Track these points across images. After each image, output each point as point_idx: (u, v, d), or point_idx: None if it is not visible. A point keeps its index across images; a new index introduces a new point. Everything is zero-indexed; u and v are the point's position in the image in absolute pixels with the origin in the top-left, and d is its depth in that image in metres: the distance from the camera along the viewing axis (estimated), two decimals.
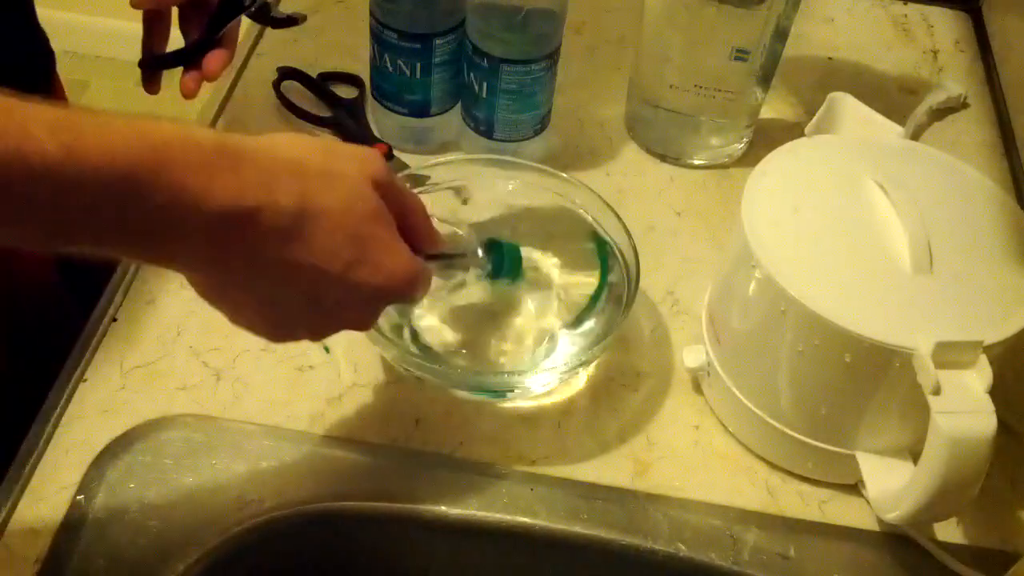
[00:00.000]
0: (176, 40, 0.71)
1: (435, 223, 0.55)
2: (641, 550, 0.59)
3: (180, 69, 0.71)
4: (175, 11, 0.70)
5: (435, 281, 0.56)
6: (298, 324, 0.50)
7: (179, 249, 0.43)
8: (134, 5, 0.67)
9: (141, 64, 0.70)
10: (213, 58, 0.70)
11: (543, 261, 0.71)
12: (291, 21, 0.74)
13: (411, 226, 0.51)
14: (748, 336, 0.61)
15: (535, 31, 0.72)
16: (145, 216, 0.40)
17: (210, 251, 0.43)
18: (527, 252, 0.70)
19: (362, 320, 0.52)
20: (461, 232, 0.64)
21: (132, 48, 0.66)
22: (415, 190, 0.70)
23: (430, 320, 0.66)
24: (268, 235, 0.44)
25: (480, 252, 0.64)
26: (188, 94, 0.70)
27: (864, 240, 0.58)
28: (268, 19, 0.73)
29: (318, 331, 0.51)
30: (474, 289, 0.67)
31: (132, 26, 0.69)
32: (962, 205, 0.61)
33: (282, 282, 0.46)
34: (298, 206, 0.44)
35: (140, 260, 0.45)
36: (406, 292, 0.50)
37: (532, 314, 0.69)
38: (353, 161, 0.48)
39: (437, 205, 0.71)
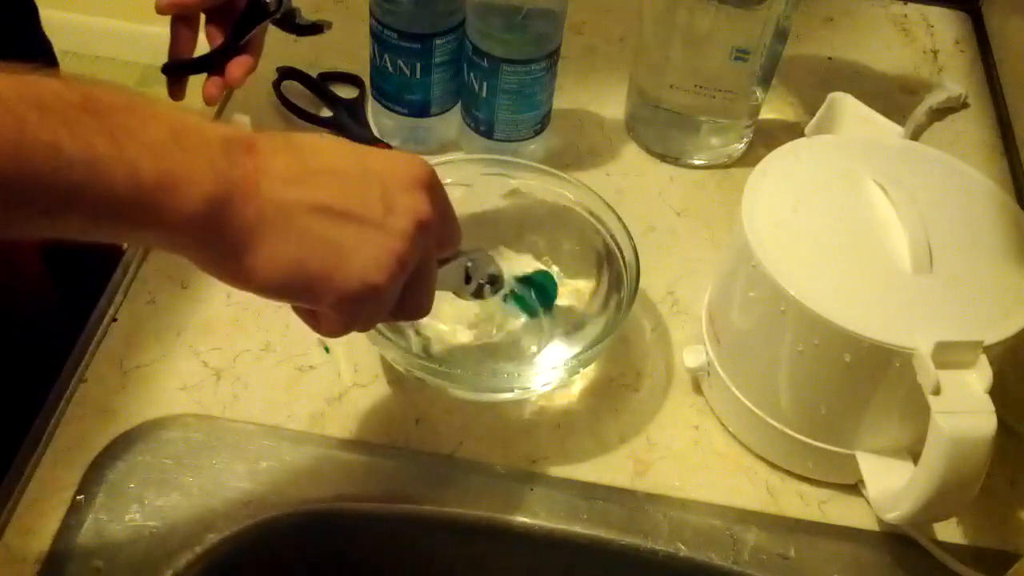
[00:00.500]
0: (202, 45, 0.71)
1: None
2: (641, 550, 0.59)
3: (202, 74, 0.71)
4: (203, 16, 0.70)
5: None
6: (368, 224, 0.44)
7: (203, 171, 0.40)
8: (160, 11, 0.67)
9: (165, 70, 0.70)
10: (236, 64, 0.70)
11: (543, 261, 0.71)
12: (316, 29, 0.73)
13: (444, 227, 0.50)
14: (748, 336, 0.61)
15: (535, 31, 0.72)
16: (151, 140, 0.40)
17: (230, 184, 0.41)
18: (527, 254, 0.70)
19: (421, 203, 0.46)
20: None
21: (132, 48, 0.66)
22: None
23: (431, 320, 0.66)
24: (274, 153, 0.43)
25: (512, 284, 0.65)
26: (210, 100, 0.70)
27: (864, 240, 0.58)
28: (293, 26, 0.73)
29: (406, 235, 0.45)
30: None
31: (132, 26, 0.69)
32: (962, 205, 0.61)
33: (318, 189, 0.43)
34: (287, 139, 0.45)
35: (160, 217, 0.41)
36: (430, 170, 0.47)
37: (532, 314, 0.69)
38: (399, 163, 0.47)
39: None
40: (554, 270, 0.71)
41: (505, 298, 0.66)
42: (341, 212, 0.43)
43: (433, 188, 0.47)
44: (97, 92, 0.39)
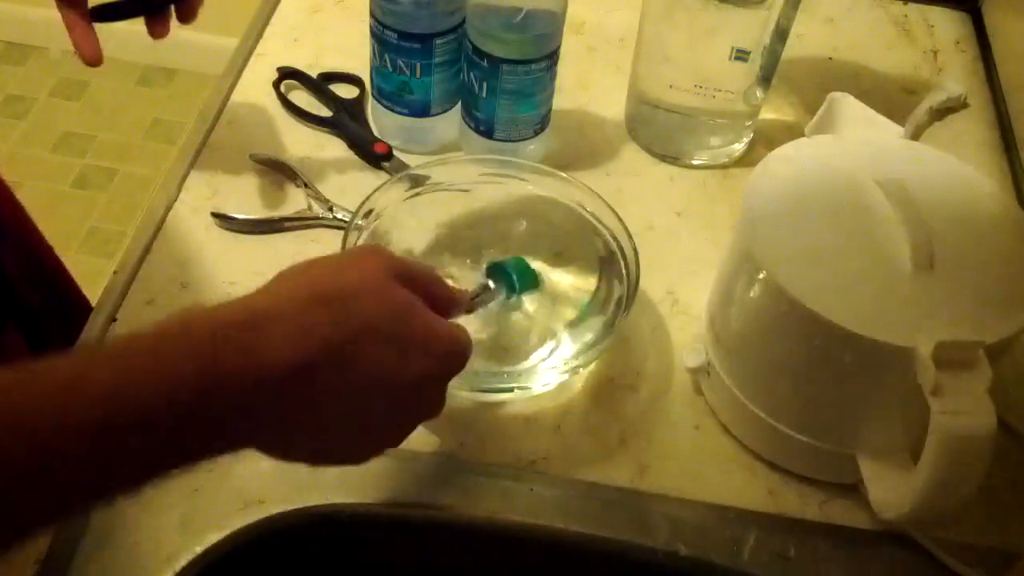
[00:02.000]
0: None
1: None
2: (641, 550, 0.59)
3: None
4: None
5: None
6: (385, 434, 0.51)
7: (252, 428, 0.44)
8: None
9: (94, 14, 0.66)
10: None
11: (543, 261, 0.71)
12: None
13: (435, 296, 0.52)
14: (748, 336, 0.61)
15: (535, 31, 0.72)
16: (218, 417, 0.42)
17: (275, 416, 0.44)
18: (527, 254, 0.70)
19: (436, 404, 0.52)
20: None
21: (132, 48, 0.66)
22: (416, 190, 0.70)
23: None
24: (324, 374, 0.44)
25: (490, 282, 0.64)
26: (158, 36, 0.68)
27: (864, 240, 0.58)
28: None
29: (404, 431, 0.52)
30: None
31: (132, 26, 0.68)
32: (962, 205, 0.61)
33: (354, 406, 0.47)
34: (340, 336, 0.45)
35: (212, 456, 0.45)
36: (460, 361, 0.51)
37: (532, 314, 0.69)
38: (363, 266, 0.48)
39: (440, 205, 0.72)
40: (554, 270, 0.70)
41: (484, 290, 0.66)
42: (366, 418, 0.48)
43: (455, 375, 0.52)
44: (166, 400, 0.40)
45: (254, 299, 0.45)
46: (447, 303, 0.54)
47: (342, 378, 0.45)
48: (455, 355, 0.51)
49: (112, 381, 0.39)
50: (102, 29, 0.66)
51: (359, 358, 0.45)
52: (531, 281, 0.67)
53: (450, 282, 0.57)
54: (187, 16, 0.68)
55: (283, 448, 0.47)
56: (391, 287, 0.48)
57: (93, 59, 0.66)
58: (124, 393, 0.39)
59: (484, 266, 0.67)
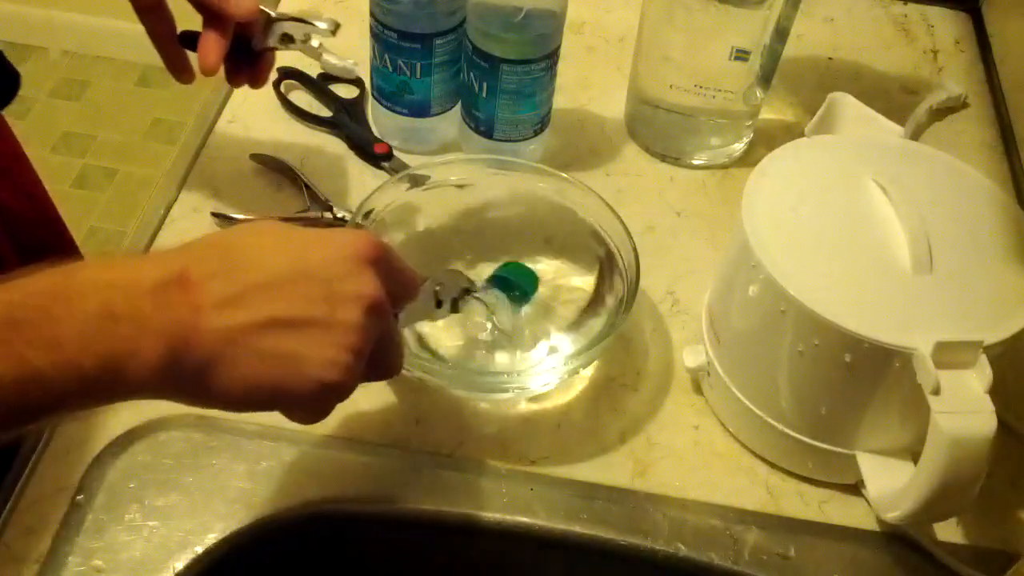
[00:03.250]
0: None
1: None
2: (641, 550, 0.59)
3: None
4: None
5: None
6: (317, 338, 0.44)
7: (145, 344, 0.41)
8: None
9: (182, 38, 0.68)
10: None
11: (543, 262, 0.71)
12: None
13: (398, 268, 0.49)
14: (748, 336, 0.61)
15: (535, 31, 0.72)
16: (93, 321, 0.40)
17: (175, 337, 0.41)
18: (527, 254, 0.70)
19: (367, 285, 0.46)
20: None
21: (132, 48, 0.66)
22: (416, 190, 0.70)
23: (430, 321, 0.66)
24: (209, 279, 0.42)
25: (493, 292, 0.64)
26: (206, 69, 0.66)
27: (864, 240, 0.58)
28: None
29: (340, 329, 0.45)
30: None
31: (132, 26, 0.68)
32: (962, 205, 0.61)
33: (260, 306, 0.43)
34: (216, 247, 0.44)
35: (115, 392, 0.42)
36: (369, 239, 0.47)
37: (532, 314, 0.69)
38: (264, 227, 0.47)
39: (440, 205, 0.72)
40: (554, 271, 0.71)
41: (487, 304, 0.65)
42: (286, 322, 0.44)
43: (377, 260, 0.47)
44: (14, 294, 0.39)
45: (219, 248, 0.44)
46: (403, 293, 0.50)
47: (227, 282, 0.42)
48: (363, 234, 0.47)
49: None
50: (104, 29, 0.66)
51: (248, 262, 0.43)
52: (532, 283, 0.67)
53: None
54: (257, 81, 0.69)
55: (205, 381, 0.42)
56: (275, 222, 0.47)
57: (188, 78, 0.68)
58: None
59: (485, 279, 0.67)
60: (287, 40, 0.68)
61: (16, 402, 0.39)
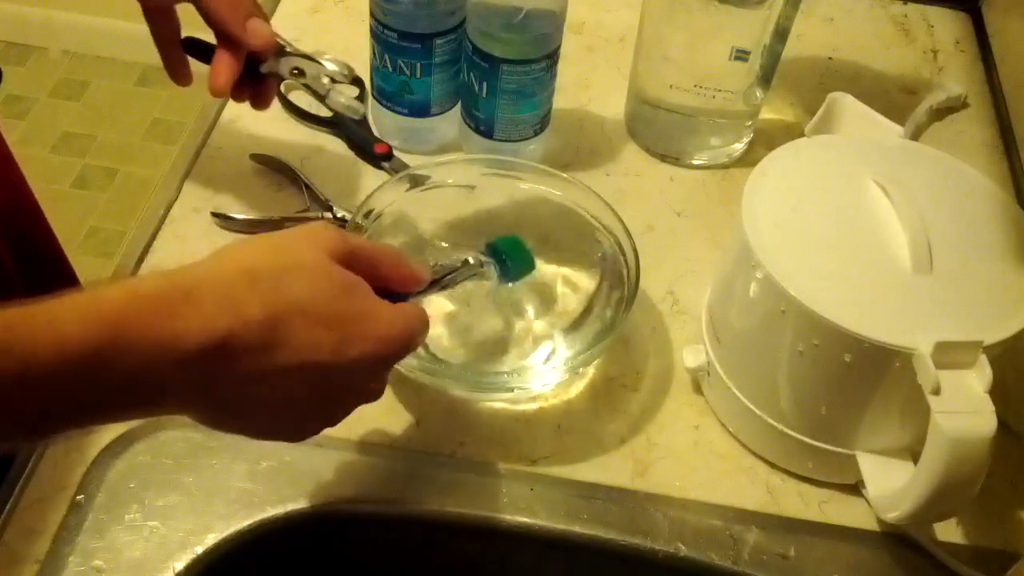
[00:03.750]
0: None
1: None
2: (641, 550, 0.59)
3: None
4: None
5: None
6: (317, 418, 0.49)
7: (164, 399, 0.43)
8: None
9: (186, 44, 0.68)
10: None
11: (543, 262, 0.71)
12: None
13: (385, 277, 0.50)
14: (748, 336, 0.61)
15: (535, 31, 0.72)
16: (121, 385, 0.41)
17: (195, 391, 0.43)
18: None
19: (375, 389, 0.51)
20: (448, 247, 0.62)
21: (132, 48, 0.65)
22: (416, 190, 0.70)
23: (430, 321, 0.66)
24: (247, 353, 0.43)
25: (482, 259, 0.63)
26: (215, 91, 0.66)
27: (864, 240, 0.58)
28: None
29: (337, 416, 0.50)
30: (475, 289, 0.67)
31: (132, 26, 0.69)
32: (962, 205, 0.61)
33: (281, 390, 0.45)
34: (266, 314, 0.44)
35: (131, 418, 0.45)
36: (404, 346, 0.49)
37: (532, 314, 0.69)
38: (302, 245, 0.47)
39: (440, 205, 0.72)
40: (554, 271, 0.70)
41: (481, 265, 0.65)
42: (297, 405, 0.47)
43: (401, 357, 0.51)
44: (47, 357, 0.39)
45: (182, 271, 0.44)
46: (404, 281, 0.52)
47: (268, 359, 0.44)
48: (397, 339, 0.48)
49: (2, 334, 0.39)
50: (104, 29, 0.66)
51: (290, 339, 0.44)
52: (525, 263, 0.64)
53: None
54: (260, 102, 0.68)
55: (213, 421, 0.46)
56: (330, 267, 0.47)
57: (186, 81, 0.69)
58: (12, 344, 0.38)
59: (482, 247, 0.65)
60: (299, 74, 0.67)
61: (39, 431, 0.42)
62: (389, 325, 0.48)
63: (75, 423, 0.42)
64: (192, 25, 0.67)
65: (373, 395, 0.51)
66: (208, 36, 0.66)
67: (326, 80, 0.68)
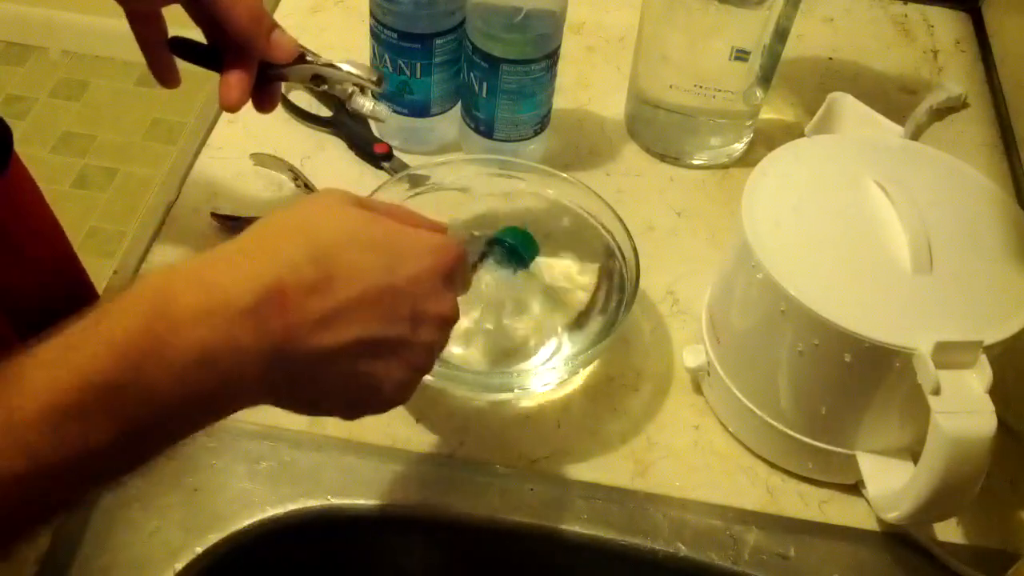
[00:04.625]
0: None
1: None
2: (641, 550, 0.59)
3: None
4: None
5: None
6: (402, 362, 0.46)
7: (246, 369, 0.41)
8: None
9: (172, 44, 0.65)
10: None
11: (543, 261, 0.71)
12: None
13: (405, 217, 0.50)
14: (748, 336, 0.61)
15: (535, 31, 0.72)
16: (195, 359, 0.39)
17: (271, 354, 0.41)
18: None
19: (447, 313, 0.48)
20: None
21: (132, 48, 0.65)
22: (416, 190, 0.70)
23: None
24: (305, 294, 0.42)
25: (488, 252, 0.63)
26: (227, 105, 0.63)
27: (864, 240, 0.58)
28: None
29: (422, 355, 0.47)
30: (474, 289, 0.67)
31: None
32: (962, 205, 0.61)
33: (355, 326, 0.44)
34: (308, 255, 0.43)
35: (233, 405, 0.43)
36: (456, 257, 0.48)
37: (532, 314, 0.69)
38: (318, 201, 0.47)
39: (440, 205, 0.71)
40: (554, 271, 0.70)
41: (483, 257, 0.65)
42: (373, 343, 0.45)
43: (456, 273, 0.49)
44: (110, 355, 0.38)
45: (205, 254, 0.43)
46: (422, 226, 0.51)
47: (329, 296, 0.43)
48: (445, 249, 0.48)
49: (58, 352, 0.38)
50: (104, 29, 0.65)
51: (340, 270, 0.43)
52: (532, 246, 0.66)
53: None
54: (265, 105, 0.66)
55: (304, 398, 0.45)
56: (353, 207, 0.47)
57: (173, 83, 0.66)
58: (70, 359, 0.37)
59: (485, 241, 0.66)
60: (318, 81, 0.65)
61: (120, 458, 0.40)
62: (431, 236, 0.48)
63: (178, 423, 0.41)
64: (178, 25, 0.65)
65: (447, 322, 0.48)
66: (196, 35, 0.64)
67: (351, 89, 0.66)
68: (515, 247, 0.66)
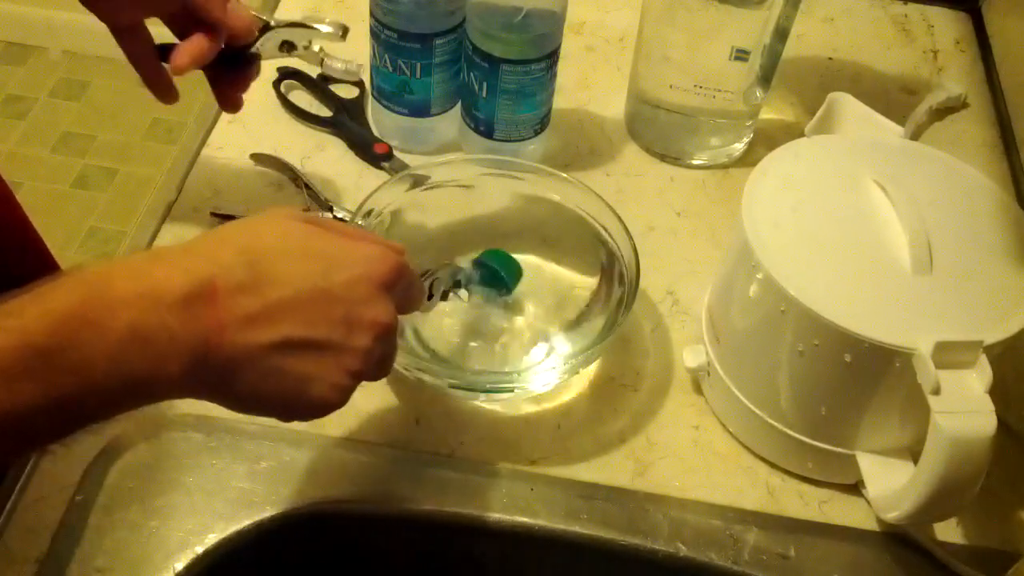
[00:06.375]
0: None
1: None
2: (641, 550, 0.59)
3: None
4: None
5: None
6: (337, 364, 0.46)
7: (175, 360, 0.42)
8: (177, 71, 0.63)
9: (161, 52, 0.65)
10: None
11: (543, 262, 0.71)
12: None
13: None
14: (748, 336, 0.61)
15: (535, 31, 0.72)
16: (125, 338, 0.40)
17: (201, 348, 0.42)
18: (527, 254, 0.70)
19: (383, 321, 0.48)
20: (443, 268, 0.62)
21: None
22: (416, 190, 0.70)
23: (430, 321, 0.66)
24: (236, 293, 0.43)
25: (471, 275, 0.64)
26: (176, 70, 0.63)
27: (864, 240, 0.58)
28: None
29: (358, 359, 0.47)
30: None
31: None
32: (962, 205, 0.61)
33: (286, 327, 0.44)
34: (244, 258, 0.44)
35: (160, 392, 0.43)
36: (393, 268, 0.48)
37: (532, 314, 0.69)
38: (265, 215, 0.48)
39: (440, 205, 0.72)
40: (554, 271, 0.70)
41: (469, 288, 0.65)
42: (303, 343, 0.45)
43: (395, 283, 0.49)
44: (46, 320, 0.39)
45: (157, 249, 0.45)
46: (411, 305, 0.53)
47: (260, 296, 0.44)
48: (382, 258, 0.48)
49: None
50: (104, 29, 0.65)
51: (274, 275, 0.44)
52: (516, 271, 0.66)
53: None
54: (230, 103, 0.67)
55: (235, 396, 0.45)
56: (297, 221, 0.47)
57: (170, 99, 0.67)
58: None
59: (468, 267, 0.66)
60: (288, 47, 0.66)
61: (44, 424, 0.40)
62: (370, 246, 0.48)
63: (104, 399, 0.41)
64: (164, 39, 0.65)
65: (384, 329, 0.48)
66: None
67: (318, 48, 0.67)
68: (497, 271, 0.66)
